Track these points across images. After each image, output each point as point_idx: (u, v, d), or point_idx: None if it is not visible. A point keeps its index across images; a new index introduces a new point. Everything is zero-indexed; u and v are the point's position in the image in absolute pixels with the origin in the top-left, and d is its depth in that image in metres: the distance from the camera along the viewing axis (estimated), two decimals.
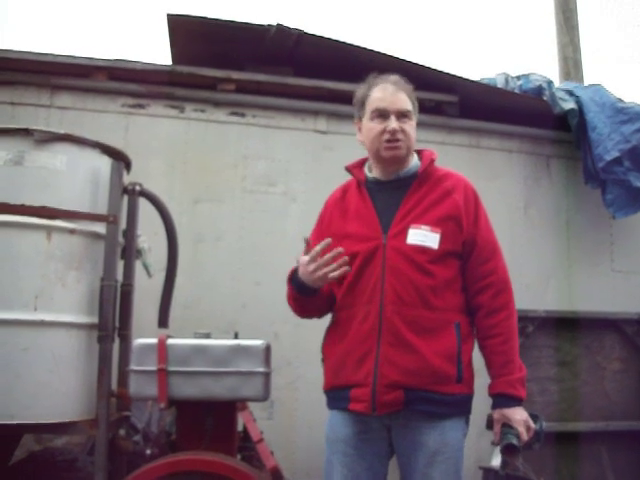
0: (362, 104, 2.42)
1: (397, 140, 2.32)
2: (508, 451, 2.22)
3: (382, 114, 2.34)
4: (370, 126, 2.37)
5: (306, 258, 2.22)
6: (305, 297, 2.35)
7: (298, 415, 4.28)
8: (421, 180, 2.37)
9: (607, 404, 4.89)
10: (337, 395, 2.32)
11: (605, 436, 4.81)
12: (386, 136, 2.32)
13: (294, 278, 2.32)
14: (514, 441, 2.20)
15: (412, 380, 2.19)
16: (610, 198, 4.80)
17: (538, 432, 2.28)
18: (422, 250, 2.26)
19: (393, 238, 2.28)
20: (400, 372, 2.19)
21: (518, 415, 2.24)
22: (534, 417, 2.29)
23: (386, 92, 2.36)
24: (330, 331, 2.42)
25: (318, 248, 2.19)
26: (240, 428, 2.99)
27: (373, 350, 2.21)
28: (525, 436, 2.23)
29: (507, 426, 2.24)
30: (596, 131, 4.76)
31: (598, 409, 4.86)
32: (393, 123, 2.31)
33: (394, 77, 2.42)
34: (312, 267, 2.20)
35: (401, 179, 2.39)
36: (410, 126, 2.35)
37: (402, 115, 2.33)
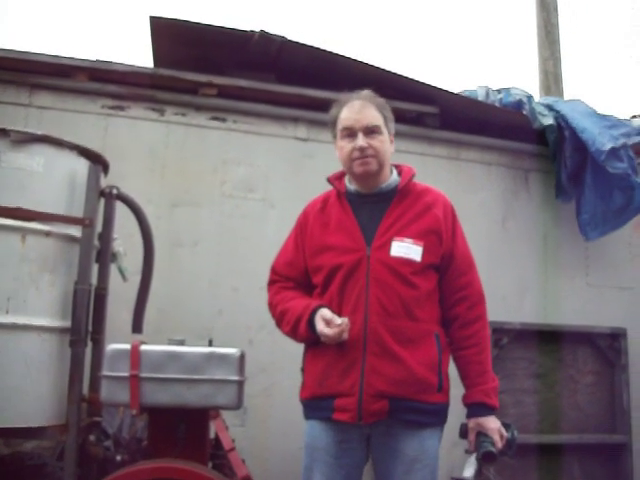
0: (334, 124, 2.46)
1: (366, 156, 2.34)
2: (487, 459, 2.26)
3: (350, 133, 2.37)
4: (341, 145, 2.41)
5: (329, 332, 2.20)
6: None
7: (272, 422, 4.26)
8: (402, 195, 2.43)
9: (580, 417, 4.94)
10: (319, 404, 2.33)
11: (578, 449, 4.85)
12: (355, 154, 2.35)
13: (312, 324, 2.29)
14: (492, 449, 2.25)
15: (397, 390, 2.24)
16: (586, 218, 4.83)
17: (510, 440, 2.34)
18: (406, 262, 2.31)
19: (377, 250, 2.32)
20: (386, 382, 2.23)
21: (492, 424, 2.32)
22: (506, 426, 2.36)
23: (353, 110, 2.38)
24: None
25: (345, 325, 2.19)
26: (211, 436, 2.97)
27: (359, 360, 2.25)
28: (499, 444, 2.29)
29: (482, 435, 2.30)
30: (586, 132, 4.76)
31: (571, 421, 4.91)
32: (360, 140, 2.34)
33: (364, 93, 2.45)
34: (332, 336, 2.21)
35: (382, 193, 2.43)
36: (380, 141, 2.37)
37: (370, 131, 2.36)
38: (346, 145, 2.38)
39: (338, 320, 2.20)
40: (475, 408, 2.34)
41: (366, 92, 2.46)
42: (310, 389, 2.38)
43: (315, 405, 2.36)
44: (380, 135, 2.38)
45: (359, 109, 2.38)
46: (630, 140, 4.85)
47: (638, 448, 4.93)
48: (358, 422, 2.25)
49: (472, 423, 2.34)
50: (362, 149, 2.33)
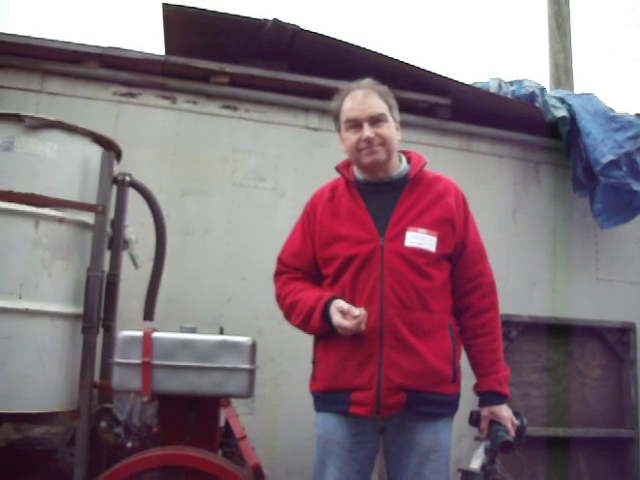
0: (337, 116, 2.43)
1: (373, 146, 2.31)
2: (504, 448, 2.28)
3: (355, 124, 2.34)
4: (346, 136, 2.38)
5: (348, 324, 2.18)
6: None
7: (280, 411, 4.27)
8: (413, 183, 2.39)
9: (586, 410, 4.93)
10: (334, 398, 2.30)
11: (583, 442, 4.85)
12: (362, 145, 2.32)
13: (326, 316, 2.26)
14: (509, 438, 2.27)
15: (414, 382, 2.23)
16: (599, 208, 4.81)
17: (520, 429, 2.36)
18: (421, 253, 2.28)
19: (391, 241, 2.29)
20: (403, 375, 2.22)
21: (505, 412, 2.33)
22: (515, 414, 2.38)
23: (355, 100, 2.35)
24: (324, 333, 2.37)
25: (363, 316, 2.17)
26: (221, 423, 2.97)
27: (375, 353, 2.23)
28: (512, 432, 2.31)
29: (495, 423, 2.32)
30: (590, 136, 4.77)
31: (577, 415, 4.90)
32: (367, 131, 2.31)
33: (365, 81, 2.42)
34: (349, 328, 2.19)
35: (393, 182, 2.40)
36: (386, 128, 2.34)
37: (375, 120, 2.33)
38: (351, 136, 2.34)
39: (356, 311, 2.17)
40: (488, 396, 2.35)
41: (367, 80, 2.42)
42: (324, 382, 2.34)
43: (329, 398, 2.33)
44: (386, 123, 2.34)
45: (362, 99, 2.34)
46: (637, 143, 4.85)
47: None
48: (375, 416, 2.23)
49: (485, 411, 2.35)
50: (369, 139, 2.30)
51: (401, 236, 2.29)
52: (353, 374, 2.25)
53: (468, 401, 2.43)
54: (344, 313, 2.19)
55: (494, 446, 2.29)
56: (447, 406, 2.32)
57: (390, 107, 2.39)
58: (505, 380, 2.36)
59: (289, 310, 2.43)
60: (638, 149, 4.86)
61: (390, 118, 2.37)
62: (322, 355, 2.37)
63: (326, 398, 2.35)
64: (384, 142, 2.33)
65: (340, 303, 2.23)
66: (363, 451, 2.30)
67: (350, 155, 2.41)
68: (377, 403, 2.21)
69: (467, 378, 2.42)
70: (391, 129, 2.36)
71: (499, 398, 2.34)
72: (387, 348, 2.22)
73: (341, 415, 2.30)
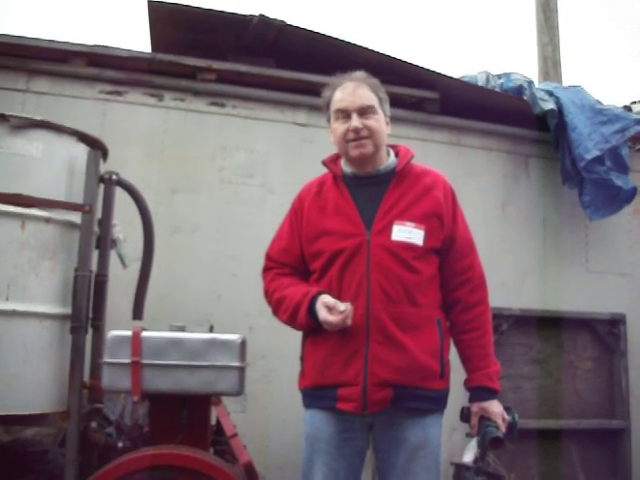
0: (327, 107, 2.43)
1: (361, 138, 2.31)
2: (494, 444, 2.26)
3: (344, 114, 2.34)
4: (334, 127, 2.38)
5: (333, 319, 2.17)
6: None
7: (271, 409, 4.26)
8: (400, 176, 2.38)
9: (578, 402, 4.95)
10: (321, 394, 2.29)
11: (575, 434, 4.87)
12: (350, 135, 2.32)
13: (312, 311, 2.25)
14: (498, 434, 2.25)
15: (401, 378, 2.21)
16: (587, 200, 4.83)
17: (512, 424, 2.35)
18: (408, 247, 2.27)
19: (377, 234, 2.28)
20: (390, 370, 2.20)
21: (496, 408, 2.32)
22: (507, 409, 2.37)
23: (346, 91, 2.35)
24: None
25: (349, 311, 2.16)
26: (212, 422, 2.97)
27: (362, 348, 2.21)
28: (503, 428, 2.29)
29: (485, 419, 2.30)
30: (576, 131, 4.79)
31: (569, 407, 4.92)
32: (355, 121, 2.30)
33: (357, 74, 2.42)
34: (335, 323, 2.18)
35: (380, 175, 2.39)
36: (375, 120, 2.34)
37: (364, 111, 2.32)
38: (340, 127, 2.34)
39: (342, 306, 2.16)
40: (478, 392, 2.33)
41: (359, 73, 2.42)
42: (311, 378, 2.34)
43: (317, 394, 2.32)
44: (375, 115, 2.34)
45: (352, 90, 2.34)
46: (624, 136, 4.86)
47: (636, 433, 4.95)
48: (362, 412, 2.22)
49: (475, 407, 2.33)
50: (356, 130, 2.30)
51: (388, 230, 2.28)
52: (339, 370, 2.24)
53: (460, 396, 2.42)
54: (330, 308, 2.18)
55: (484, 442, 2.28)
56: (435, 402, 2.31)
57: (380, 100, 2.39)
58: (495, 375, 2.35)
59: (276, 306, 2.42)
60: (624, 142, 4.88)
61: (380, 111, 2.37)
62: (310, 351, 2.36)
63: (314, 394, 2.34)
64: (372, 134, 2.32)
65: (326, 298, 2.21)
66: (351, 448, 2.29)
67: (338, 146, 2.40)
68: (364, 399, 2.20)
69: (458, 373, 2.41)
70: (380, 122, 2.36)
71: (489, 393, 2.32)
72: (373, 343, 2.21)
73: (328, 411, 2.29)
